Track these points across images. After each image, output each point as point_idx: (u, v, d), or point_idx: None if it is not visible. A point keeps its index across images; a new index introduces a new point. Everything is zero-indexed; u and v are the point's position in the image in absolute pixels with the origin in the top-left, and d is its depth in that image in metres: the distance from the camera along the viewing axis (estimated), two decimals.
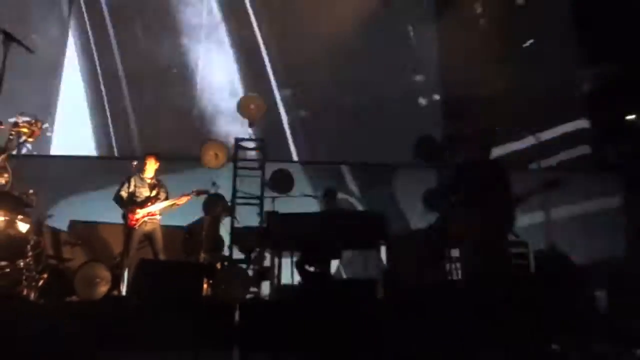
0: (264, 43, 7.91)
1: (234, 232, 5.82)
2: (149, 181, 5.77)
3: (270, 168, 6.29)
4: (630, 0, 5.97)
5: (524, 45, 7.56)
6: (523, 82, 7.00)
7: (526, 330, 4.14)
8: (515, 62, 7.23)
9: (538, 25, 7.66)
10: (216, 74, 8.10)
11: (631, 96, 5.43)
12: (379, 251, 5.03)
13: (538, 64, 7.22)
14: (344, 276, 5.94)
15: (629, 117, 5.35)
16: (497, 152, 5.44)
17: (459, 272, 5.38)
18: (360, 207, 6.63)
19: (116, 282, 5.33)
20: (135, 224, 5.55)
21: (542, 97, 6.95)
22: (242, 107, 6.34)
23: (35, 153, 6.74)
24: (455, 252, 5.35)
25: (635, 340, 4.20)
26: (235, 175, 6.23)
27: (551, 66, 7.14)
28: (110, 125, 7.94)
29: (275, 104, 7.65)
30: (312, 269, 5.38)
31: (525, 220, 5.15)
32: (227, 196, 6.07)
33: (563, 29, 7.59)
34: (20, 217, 5.00)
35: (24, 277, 4.91)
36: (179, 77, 8.08)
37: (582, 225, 6.30)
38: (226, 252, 5.85)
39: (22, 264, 4.93)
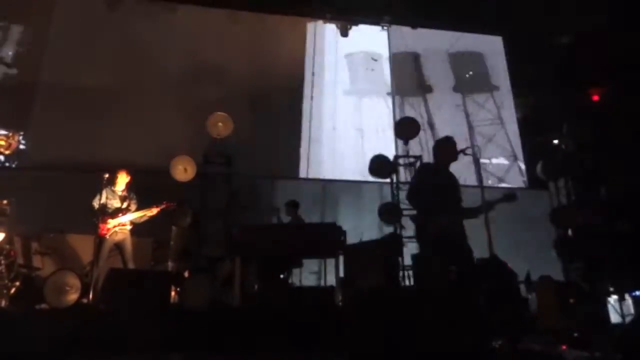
0: None
1: (201, 242, 6.04)
2: (120, 193, 5.95)
3: (236, 182, 6.61)
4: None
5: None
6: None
7: (470, 328, 4.61)
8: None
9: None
10: None
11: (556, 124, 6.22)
12: (336, 260, 5.30)
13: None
14: (305, 284, 6.25)
15: (554, 141, 6.09)
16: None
17: (411, 278, 5.85)
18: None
19: (86, 290, 5.28)
20: (106, 234, 5.71)
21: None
22: (211, 125, 6.63)
23: (7, 164, 6.78)
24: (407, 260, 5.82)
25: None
26: (203, 188, 6.44)
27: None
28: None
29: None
30: (274, 276, 5.72)
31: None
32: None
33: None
34: None
35: None
36: None
37: (518, 236, 6.97)
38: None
39: None
